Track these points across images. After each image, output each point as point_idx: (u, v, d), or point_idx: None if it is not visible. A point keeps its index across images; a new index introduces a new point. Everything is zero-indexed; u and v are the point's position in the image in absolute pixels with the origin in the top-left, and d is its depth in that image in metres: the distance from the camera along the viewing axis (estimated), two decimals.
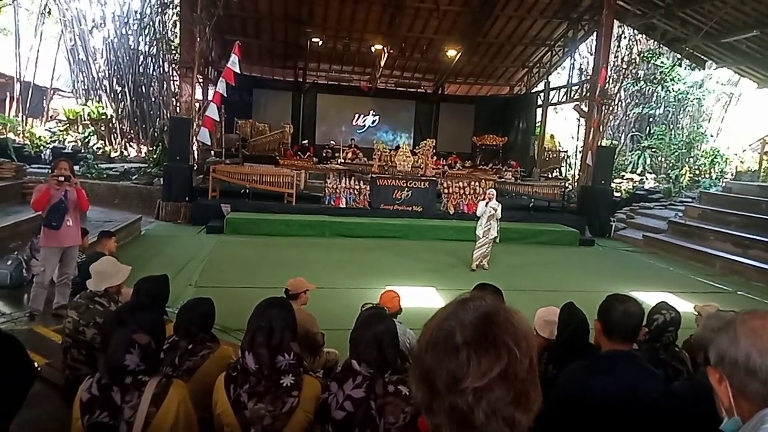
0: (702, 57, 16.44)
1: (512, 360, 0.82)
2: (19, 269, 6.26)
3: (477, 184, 13.60)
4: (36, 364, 1.61)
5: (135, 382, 1.99)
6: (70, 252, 5.46)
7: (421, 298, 6.96)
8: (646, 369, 2.09)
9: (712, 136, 19.94)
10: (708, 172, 19.05)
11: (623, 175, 19.47)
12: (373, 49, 18.12)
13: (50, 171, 5.57)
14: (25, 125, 18.11)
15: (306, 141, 19.06)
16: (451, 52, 18.32)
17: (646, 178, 19.63)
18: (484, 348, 0.82)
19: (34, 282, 5.57)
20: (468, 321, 0.85)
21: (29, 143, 15.96)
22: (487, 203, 9.18)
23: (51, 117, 19.84)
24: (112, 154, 17.74)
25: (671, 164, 19.46)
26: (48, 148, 16.02)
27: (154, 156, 15.66)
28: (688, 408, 1.98)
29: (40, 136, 17.05)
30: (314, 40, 17.70)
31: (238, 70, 12.49)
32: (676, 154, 19.24)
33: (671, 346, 3.02)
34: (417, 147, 16.33)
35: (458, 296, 0.94)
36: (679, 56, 17.91)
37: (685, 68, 19.39)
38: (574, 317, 2.87)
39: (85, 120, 18.49)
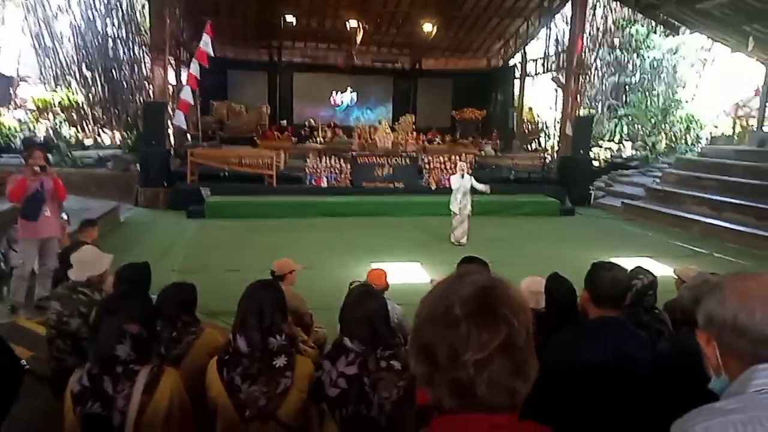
0: (676, 23, 16.49)
1: (511, 331, 0.83)
2: None
3: (458, 158, 13.62)
4: (23, 361, 1.59)
5: (126, 372, 1.98)
6: (49, 243, 5.36)
7: (406, 274, 7.00)
8: (634, 333, 2.15)
9: (687, 102, 20.17)
10: (684, 138, 19.33)
11: (601, 144, 19.66)
12: (348, 25, 17.84)
13: (23, 160, 5.43)
14: None
15: (284, 121, 18.82)
16: (427, 26, 18.11)
17: (624, 146, 19.85)
18: (484, 320, 0.83)
19: (13, 274, 5.48)
20: (467, 294, 0.87)
21: None
22: (462, 176, 9.21)
23: (19, 106, 19.28)
24: (86, 142, 17.38)
25: (648, 131, 19.68)
26: (18, 138, 15.60)
27: (129, 142, 15.36)
28: (674, 367, 2.04)
29: (9, 126, 16.59)
30: (288, 18, 17.34)
31: (211, 52, 12.23)
32: (653, 121, 19.45)
33: (651, 308, 3.09)
34: (396, 123, 16.25)
35: (455, 271, 0.96)
36: (653, 23, 17.97)
37: (660, 35, 19.49)
38: (560, 287, 2.91)
39: (55, 107, 18.01)
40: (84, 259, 3.43)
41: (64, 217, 6.12)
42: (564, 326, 2.41)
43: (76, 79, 18.84)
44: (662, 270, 5.83)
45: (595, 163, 16.93)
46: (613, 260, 7.73)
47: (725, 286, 1.12)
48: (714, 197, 11.77)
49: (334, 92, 20.88)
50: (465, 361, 0.82)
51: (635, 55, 20.01)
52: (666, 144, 18.98)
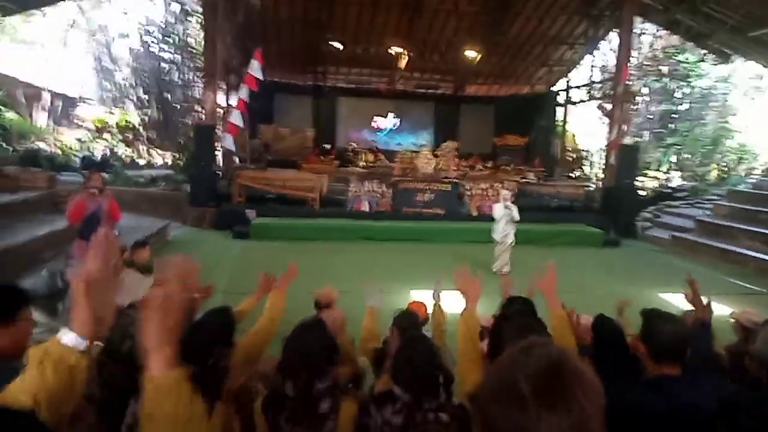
0: (727, 51, 16.10)
1: (584, 414, 0.78)
2: (53, 279, 6.42)
3: (500, 185, 13.55)
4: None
5: None
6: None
7: (446, 303, 6.95)
8: (701, 389, 2.05)
9: (739, 131, 19.52)
10: (736, 168, 18.67)
11: (647, 174, 19.19)
12: (392, 51, 18.16)
13: (83, 183, 5.73)
14: (55, 134, 18.59)
15: (328, 145, 19.16)
16: (471, 53, 18.25)
17: (671, 176, 19.31)
18: (554, 402, 0.79)
19: (69, 292, 5.72)
20: (534, 371, 0.82)
21: (59, 152, 16.38)
22: (505, 206, 9.13)
23: (79, 125, 20.33)
24: (140, 161, 18.11)
25: (697, 161, 19.11)
26: (78, 156, 16.41)
27: (180, 163, 15.93)
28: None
29: (69, 145, 17.48)
30: (334, 44, 17.81)
31: (260, 77, 12.67)
32: (702, 150, 18.88)
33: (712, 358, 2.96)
34: (438, 149, 16.31)
35: (521, 342, 0.91)
36: (703, 51, 17.58)
37: (710, 63, 19.03)
38: (608, 329, 2.82)
39: (112, 128, 18.89)
40: (126, 286, 3.56)
41: (117, 234, 6.38)
42: (615, 371, 2.34)
43: (132, 101, 19.76)
44: (716, 310, 5.62)
45: (642, 193, 16.50)
46: (663, 296, 7.44)
47: None
48: None
49: (377, 117, 21.18)
50: None
51: (684, 83, 19.56)
52: (717, 174, 18.35)
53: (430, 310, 4.08)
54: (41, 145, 16.08)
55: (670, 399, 1.97)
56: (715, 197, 15.23)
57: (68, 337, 1.20)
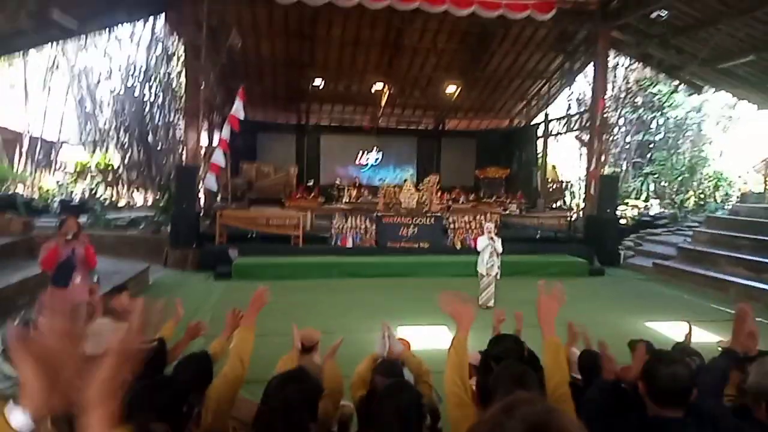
0: (699, 83, 16.62)
1: None
2: (27, 327, 6.22)
3: (482, 217, 13.60)
4: None
5: None
6: (78, 310, 5.44)
7: (433, 338, 6.86)
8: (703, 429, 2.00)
9: (714, 159, 20.00)
10: (712, 195, 19.03)
11: (627, 202, 19.47)
12: (373, 89, 18.44)
13: (57, 227, 5.61)
14: (34, 178, 18.39)
15: (311, 181, 19.20)
16: (451, 89, 18.62)
17: (651, 204, 19.60)
18: None
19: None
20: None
21: (38, 196, 16.17)
22: (491, 238, 9.14)
23: (59, 168, 20.15)
24: (120, 203, 17.93)
25: (675, 189, 19.46)
26: (56, 200, 16.20)
27: (161, 204, 15.80)
28: None
29: (48, 189, 17.28)
30: (315, 82, 18.04)
31: (242, 116, 12.73)
32: (680, 179, 19.26)
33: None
34: (421, 183, 16.41)
35: (505, 399, 0.87)
36: (676, 83, 18.11)
37: (683, 94, 19.61)
38: (595, 365, 2.77)
39: (92, 170, 18.75)
40: (99, 332, 3.45)
41: (95, 279, 6.23)
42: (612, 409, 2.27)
43: (114, 142, 19.69)
44: (702, 336, 5.61)
45: (623, 222, 16.69)
46: (650, 324, 7.42)
47: None
48: (750, 257, 11.41)
49: (360, 152, 21.34)
50: None
51: (658, 113, 20.09)
52: (695, 201, 18.67)
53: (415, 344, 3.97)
54: (19, 189, 15.88)
55: None
56: (695, 224, 15.47)
57: (14, 416, 1.02)
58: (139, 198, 19.34)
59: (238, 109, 12.73)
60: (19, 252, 8.64)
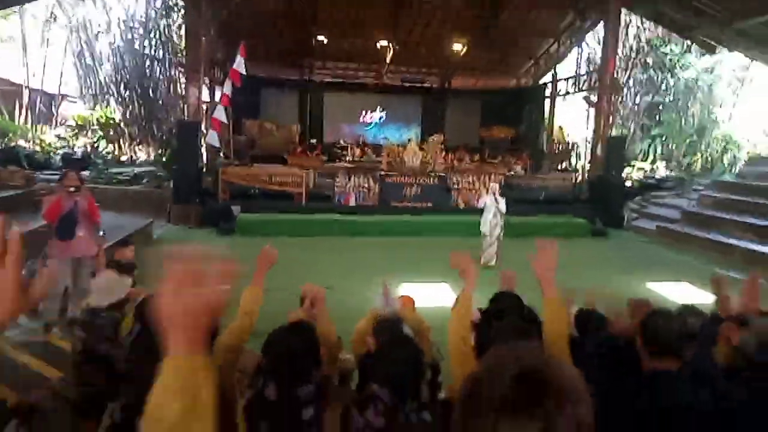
0: (712, 43, 16.16)
1: (551, 424, 0.74)
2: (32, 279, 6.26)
3: (488, 178, 13.51)
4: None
5: None
6: (82, 262, 5.46)
7: (435, 296, 6.91)
8: (699, 386, 1.98)
9: (723, 122, 19.66)
10: (720, 158, 18.81)
11: (634, 165, 19.27)
12: (378, 45, 18.02)
13: (59, 181, 5.57)
14: (35, 132, 18.24)
15: (314, 140, 19.00)
16: (457, 46, 18.18)
17: (657, 167, 19.41)
18: (519, 409, 0.75)
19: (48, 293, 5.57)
20: (505, 377, 0.78)
21: (39, 150, 16.07)
22: (495, 198, 9.09)
23: (60, 123, 19.97)
24: (122, 158, 17.83)
25: (683, 152, 19.22)
26: (58, 154, 16.11)
27: (163, 159, 15.70)
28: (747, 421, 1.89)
29: (49, 143, 17.16)
30: (320, 38, 17.62)
31: (243, 72, 12.49)
32: (688, 141, 19.00)
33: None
34: (425, 142, 16.24)
35: (496, 347, 0.88)
36: (688, 43, 17.64)
37: (695, 54, 19.12)
38: (591, 322, 2.77)
39: (93, 125, 18.58)
40: (101, 286, 3.46)
41: (101, 233, 6.23)
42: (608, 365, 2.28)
43: (114, 97, 19.42)
44: (702, 298, 5.62)
45: (628, 184, 16.56)
46: (651, 285, 7.46)
47: None
48: (755, 221, 11.35)
49: (364, 111, 21.04)
50: None
51: (669, 74, 19.64)
52: (702, 165, 18.47)
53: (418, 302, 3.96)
54: (21, 143, 15.77)
55: (665, 395, 1.90)
56: (701, 188, 15.33)
57: None
58: (141, 153, 19.21)
59: (239, 64, 12.47)
60: (22, 205, 8.64)
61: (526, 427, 0.73)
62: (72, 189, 5.23)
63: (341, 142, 18.58)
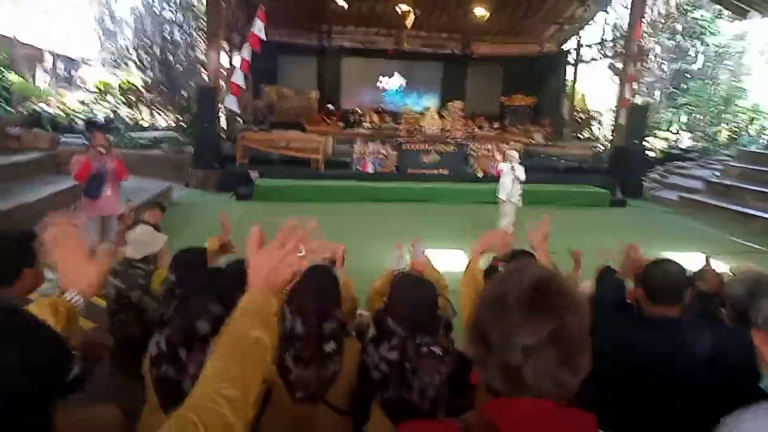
0: (744, 7, 15.56)
1: (562, 324, 0.87)
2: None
3: (506, 146, 13.38)
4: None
5: (202, 343, 2.05)
6: (109, 221, 5.63)
7: (450, 261, 6.97)
8: (693, 331, 2.04)
9: (752, 91, 19.09)
10: (747, 128, 18.35)
11: (657, 134, 18.90)
12: (398, 9, 17.71)
13: (87, 142, 5.70)
14: (57, 96, 18.45)
15: (332, 106, 18.91)
16: (479, 10, 17.77)
17: (682, 137, 19.01)
18: (535, 310, 0.88)
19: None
20: (523, 285, 0.91)
21: (62, 114, 16.28)
22: (512, 166, 9.03)
23: (81, 87, 20.15)
24: (143, 123, 18.00)
25: (708, 121, 18.78)
26: (80, 118, 16.31)
27: (183, 124, 15.82)
28: (726, 364, 1.94)
29: (72, 108, 17.36)
30: (338, 2, 17.36)
31: (263, 36, 12.42)
32: (714, 111, 18.52)
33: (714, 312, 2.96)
34: (444, 109, 16.07)
35: (509, 266, 1.02)
36: (719, 7, 17.01)
37: (726, 20, 18.47)
38: (609, 278, 2.83)
39: (114, 89, 18.72)
40: (140, 239, 3.59)
41: (127, 200, 6.40)
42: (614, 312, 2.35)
43: (134, 62, 19.49)
44: (720, 267, 5.59)
45: (651, 154, 16.28)
46: (666, 255, 7.46)
47: None
48: None
49: (382, 77, 20.81)
50: (514, 346, 0.87)
51: (698, 41, 19.04)
52: (728, 135, 18.04)
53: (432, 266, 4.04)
54: (43, 106, 15.98)
55: (666, 339, 1.96)
56: (725, 158, 15.03)
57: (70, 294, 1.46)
58: (161, 119, 19.36)
59: (259, 29, 12.39)
60: (47, 167, 8.83)
61: (542, 327, 0.86)
62: (103, 150, 5.36)
63: (359, 109, 18.47)
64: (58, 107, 16.97)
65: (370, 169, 12.95)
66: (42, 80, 18.68)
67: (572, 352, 0.88)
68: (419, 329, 2.17)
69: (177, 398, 2.00)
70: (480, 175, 13.08)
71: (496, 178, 9.57)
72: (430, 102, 19.87)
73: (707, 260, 3.79)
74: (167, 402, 2.03)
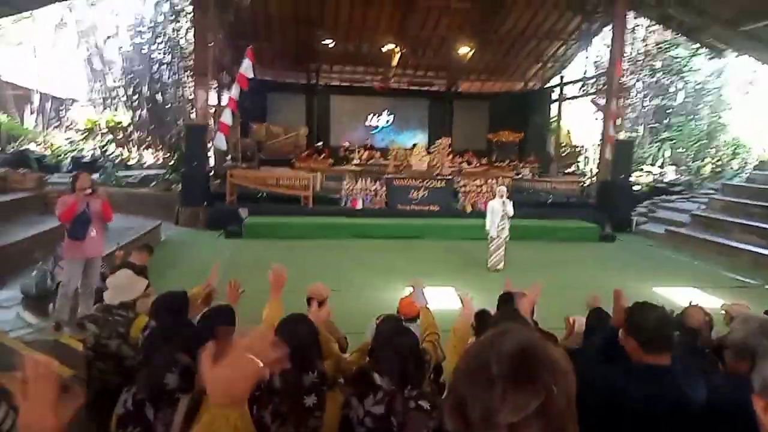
0: (720, 46, 16.09)
1: (550, 396, 0.79)
2: (44, 279, 6.32)
3: (494, 181, 13.50)
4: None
5: (170, 399, 1.97)
6: (93, 262, 5.51)
7: (440, 300, 6.89)
8: (689, 381, 1.99)
9: (732, 125, 19.57)
10: (730, 162, 18.71)
11: (642, 168, 19.21)
12: (385, 49, 18.08)
13: (71, 183, 5.62)
14: (45, 135, 18.41)
15: (321, 143, 19.04)
16: (464, 49, 18.20)
17: (666, 171, 19.33)
18: (521, 383, 0.80)
19: (59, 292, 5.63)
20: (505, 353, 0.83)
21: (49, 153, 16.21)
22: (503, 201, 9.07)
23: (69, 127, 20.14)
24: (130, 162, 17.95)
25: (692, 155, 19.14)
26: (68, 157, 16.25)
27: (171, 162, 15.79)
28: (724, 417, 1.89)
29: (59, 146, 17.31)
30: (326, 41, 17.70)
31: (251, 75, 12.53)
32: (697, 145, 18.91)
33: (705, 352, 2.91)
34: (432, 146, 16.24)
35: (495, 327, 0.93)
36: (696, 46, 17.57)
37: (704, 57, 19.06)
38: (601, 324, 2.77)
39: (102, 129, 18.73)
40: (118, 284, 3.50)
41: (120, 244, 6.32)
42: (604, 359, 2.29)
43: (122, 101, 19.59)
44: (710, 302, 5.58)
45: (637, 188, 16.49)
46: (658, 290, 7.41)
47: None
48: (763, 225, 11.26)
49: (370, 114, 21.08)
50: (498, 424, 0.79)
51: (678, 77, 19.59)
52: (711, 169, 18.38)
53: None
54: (31, 146, 15.91)
55: (657, 388, 1.91)
56: (710, 191, 15.24)
57: None
58: (148, 156, 19.32)
59: (247, 68, 12.54)
60: (33, 207, 8.72)
61: (528, 402, 0.79)
62: (88, 191, 5.30)
63: (348, 145, 18.61)
64: (45, 147, 16.92)
65: (359, 205, 12.95)
66: (30, 120, 18.65)
67: (561, 425, 0.81)
68: (407, 380, 2.10)
69: None
70: (468, 210, 13.13)
71: (484, 214, 9.59)
72: (418, 138, 20.09)
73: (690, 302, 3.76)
74: None
